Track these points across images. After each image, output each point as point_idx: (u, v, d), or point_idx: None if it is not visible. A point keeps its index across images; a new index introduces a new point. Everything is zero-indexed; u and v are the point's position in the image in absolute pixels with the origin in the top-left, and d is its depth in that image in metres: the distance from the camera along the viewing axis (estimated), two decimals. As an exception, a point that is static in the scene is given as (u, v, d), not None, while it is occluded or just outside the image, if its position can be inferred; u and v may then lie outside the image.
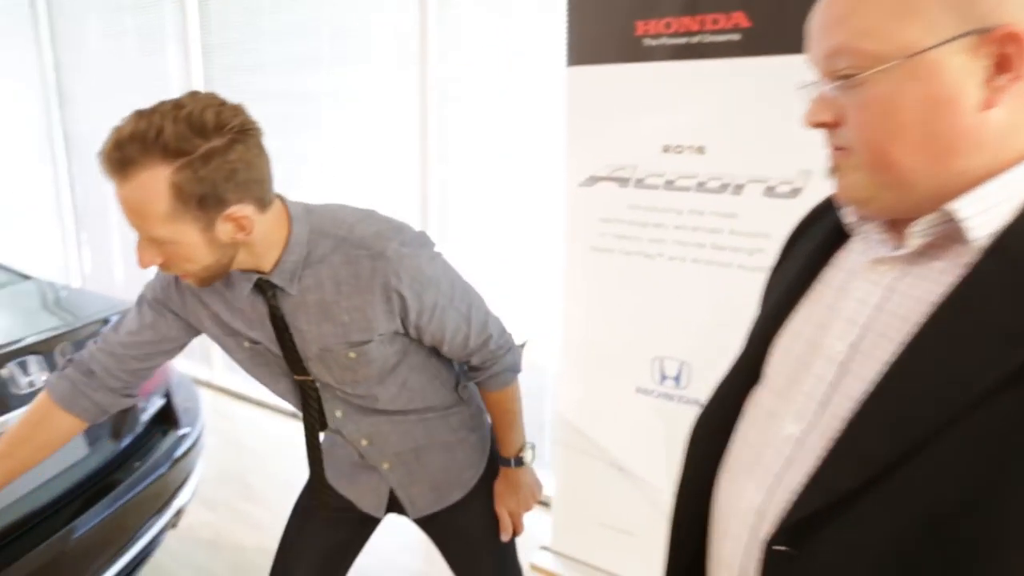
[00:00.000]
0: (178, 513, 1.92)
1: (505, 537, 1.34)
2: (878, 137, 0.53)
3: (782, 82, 1.56)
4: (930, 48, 0.49)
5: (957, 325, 0.50)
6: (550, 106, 2.38)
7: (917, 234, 0.54)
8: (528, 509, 1.36)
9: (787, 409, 0.61)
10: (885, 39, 0.50)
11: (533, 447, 1.34)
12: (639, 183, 1.80)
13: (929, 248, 0.54)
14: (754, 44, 1.58)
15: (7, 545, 1.41)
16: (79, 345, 1.64)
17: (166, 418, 1.95)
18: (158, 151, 0.83)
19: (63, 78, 4.22)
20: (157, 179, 0.84)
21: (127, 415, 1.80)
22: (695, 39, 1.66)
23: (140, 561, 1.75)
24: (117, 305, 1.87)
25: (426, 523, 1.35)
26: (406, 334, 1.11)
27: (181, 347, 1.18)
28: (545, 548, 2.37)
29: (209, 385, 3.75)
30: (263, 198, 0.95)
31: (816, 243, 0.68)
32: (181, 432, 1.95)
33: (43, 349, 1.56)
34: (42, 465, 1.52)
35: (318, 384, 1.15)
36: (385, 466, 1.25)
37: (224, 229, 0.92)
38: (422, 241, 1.08)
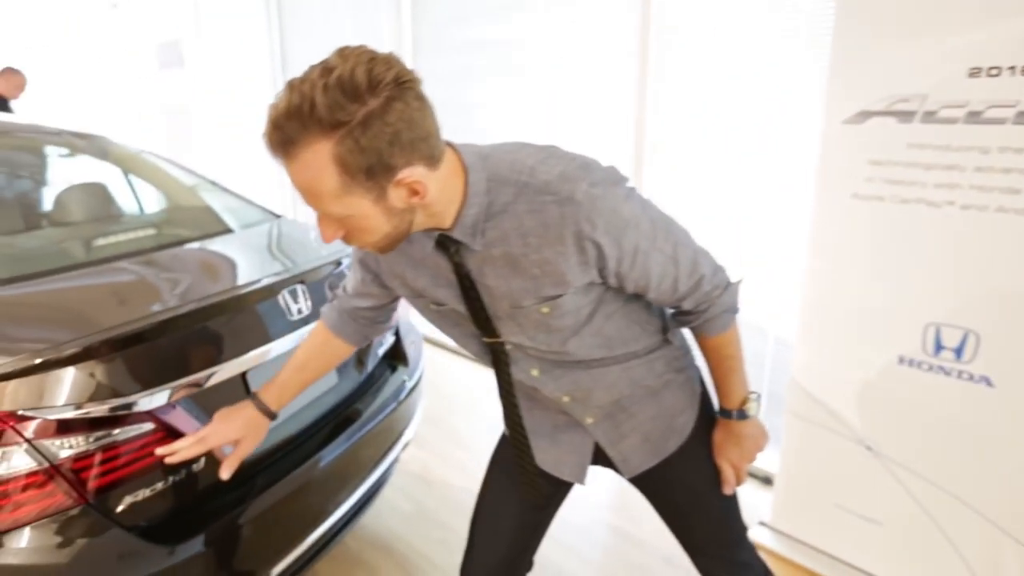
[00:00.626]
0: (404, 447, 2.00)
1: (728, 490, 1.22)
2: None
3: None
4: None
5: None
6: (801, 34, 2.10)
7: None
8: (752, 460, 1.22)
9: None
10: None
11: (759, 397, 1.19)
12: (928, 116, 1.51)
13: None
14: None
15: (280, 460, 1.53)
16: (340, 276, 1.75)
17: (396, 355, 2.03)
18: (315, 126, 0.77)
19: (286, 42, 4.58)
20: (320, 155, 0.78)
21: (366, 349, 1.88)
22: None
23: (375, 492, 1.85)
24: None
25: (643, 480, 1.24)
26: (603, 283, 1.01)
27: (394, 303, 1.24)
28: (764, 524, 2.19)
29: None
30: (432, 155, 0.85)
31: None
32: (409, 370, 2.02)
33: (309, 279, 1.65)
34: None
35: (508, 346, 1.08)
36: (589, 420, 1.16)
37: (397, 195, 0.84)
38: (614, 178, 0.94)
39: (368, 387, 1.88)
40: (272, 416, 1.24)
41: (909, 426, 1.73)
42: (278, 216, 2.17)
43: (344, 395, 1.79)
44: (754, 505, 2.32)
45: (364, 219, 0.86)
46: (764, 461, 2.48)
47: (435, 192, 0.88)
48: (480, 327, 1.06)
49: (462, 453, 2.75)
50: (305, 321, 1.59)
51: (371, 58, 0.78)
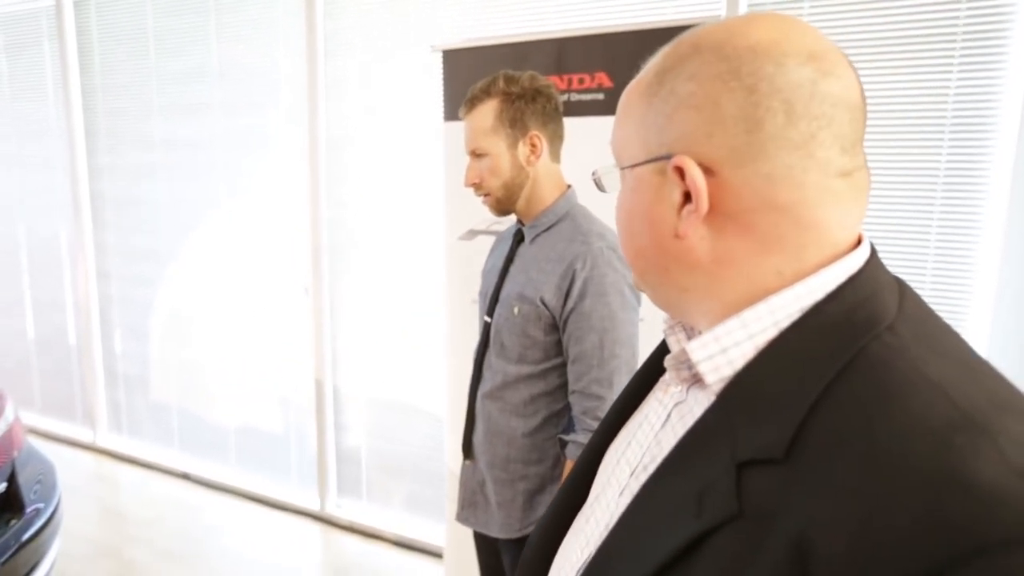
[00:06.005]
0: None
1: None
2: (618, 230, 0.53)
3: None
4: (636, 165, 0.48)
5: (668, 482, 0.44)
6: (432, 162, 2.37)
7: (669, 366, 0.49)
8: None
9: (580, 531, 0.54)
10: (622, 148, 0.51)
11: None
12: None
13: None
14: (616, 103, 1.61)
15: None
16: None
17: (8, 505, 1.77)
18: (495, 92, 1.23)
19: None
20: (488, 106, 1.23)
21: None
22: (562, 97, 1.68)
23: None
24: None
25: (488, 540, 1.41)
26: (556, 329, 1.21)
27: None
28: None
29: (92, 448, 3.49)
30: (552, 141, 1.26)
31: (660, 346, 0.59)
32: (26, 517, 1.77)
33: None
34: None
35: (493, 329, 1.29)
36: (478, 459, 1.35)
37: (523, 151, 1.22)
38: (627, 283, 1.18)
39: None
40: None
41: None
42: None
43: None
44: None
45: (498, 159, 1.22)
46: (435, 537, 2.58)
47: (543, 170, 1.24)
48: (490, 305, 1.31)
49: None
50: None
51: (532, 76, 1.24)
